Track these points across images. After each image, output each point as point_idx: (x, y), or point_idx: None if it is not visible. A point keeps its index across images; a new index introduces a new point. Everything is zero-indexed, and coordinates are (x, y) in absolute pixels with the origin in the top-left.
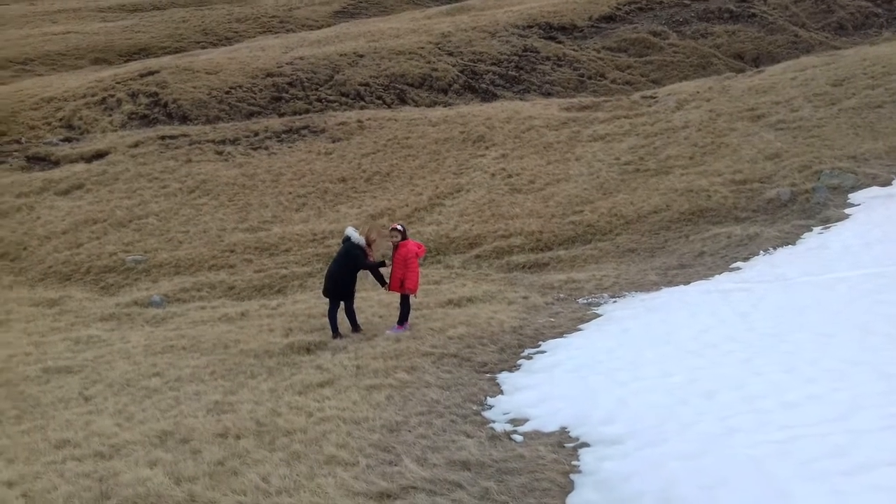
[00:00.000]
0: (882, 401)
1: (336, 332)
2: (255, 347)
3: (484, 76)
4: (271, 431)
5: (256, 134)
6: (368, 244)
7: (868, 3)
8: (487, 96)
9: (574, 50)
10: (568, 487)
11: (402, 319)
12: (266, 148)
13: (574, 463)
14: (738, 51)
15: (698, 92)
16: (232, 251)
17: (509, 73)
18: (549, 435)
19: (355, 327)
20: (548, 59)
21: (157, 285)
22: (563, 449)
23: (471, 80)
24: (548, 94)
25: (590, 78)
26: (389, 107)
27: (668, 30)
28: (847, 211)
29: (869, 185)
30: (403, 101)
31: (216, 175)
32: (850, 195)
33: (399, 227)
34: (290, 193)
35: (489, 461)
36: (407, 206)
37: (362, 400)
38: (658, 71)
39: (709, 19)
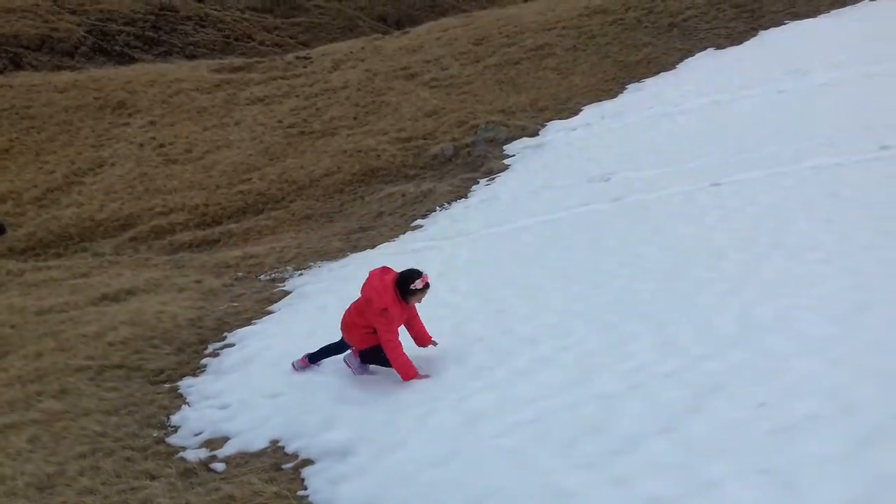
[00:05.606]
0: (610, 357)
1: None
2: None
3: (117, 37)
4: None
5: None
6: None
7: None
8: (123, 59)
9: (216, 10)
10: None
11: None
12: None
13: (301, 493)
14: (381, 13)
15: (352, 52)
16: None
17: (146, 33)
18: (260, 455)
19: None
20: (189, 18)
21: None
22: (281, 473)
23: (101, 42)
24: (192, 57)
25: (237, 40)
26: (1, 73)
27: None
28: (506, 162)
29: (520, 137)
30: (19, 66)
31: None
32: (504, 147)
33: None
34: None
35: None
36: (36, 187)
37: None
38: (307, 33)
39: None
